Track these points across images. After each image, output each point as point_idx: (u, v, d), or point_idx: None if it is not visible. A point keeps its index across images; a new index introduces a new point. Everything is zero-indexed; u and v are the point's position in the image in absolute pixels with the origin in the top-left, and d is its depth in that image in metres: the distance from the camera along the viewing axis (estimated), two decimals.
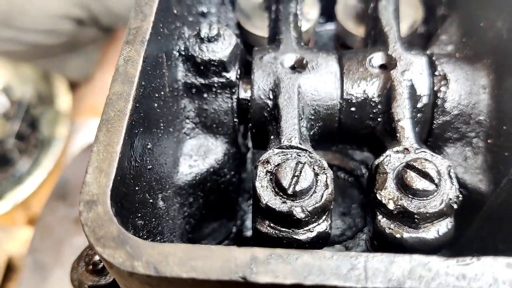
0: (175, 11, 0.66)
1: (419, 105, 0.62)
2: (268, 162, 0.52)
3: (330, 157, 0.84)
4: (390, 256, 0.36)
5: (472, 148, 0.63)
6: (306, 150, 0.54)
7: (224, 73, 0.64)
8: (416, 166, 0.51)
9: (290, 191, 0.49)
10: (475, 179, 0.62)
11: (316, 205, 0.49)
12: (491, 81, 0.62)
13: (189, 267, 0.36)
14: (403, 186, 0.50)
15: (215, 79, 0.64)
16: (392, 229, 0.50)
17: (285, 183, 0.49)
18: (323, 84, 0.63)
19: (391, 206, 0.50)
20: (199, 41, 0.63)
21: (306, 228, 0.50)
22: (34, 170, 2.01)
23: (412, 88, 0.61)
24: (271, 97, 0.63)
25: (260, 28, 0.78)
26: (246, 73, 0.67)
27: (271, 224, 0.50)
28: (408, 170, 0.51)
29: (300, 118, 0.60)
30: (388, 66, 0.63)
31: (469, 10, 0.69)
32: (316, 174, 0.51)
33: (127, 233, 0.38)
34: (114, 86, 0.49)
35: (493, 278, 0.35)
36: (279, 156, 0.53)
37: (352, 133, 0.65)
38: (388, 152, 0.54)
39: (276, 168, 0.51)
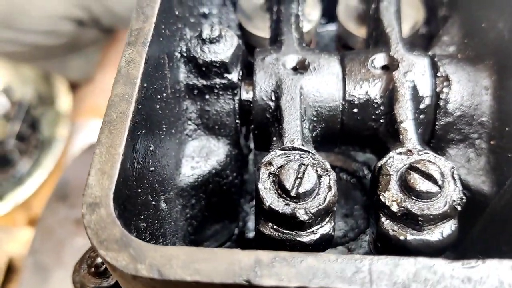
0: (177, 12, 0.66)
1: (422, 106, 0.61)
2: (271, 163, 0.52)
3: (332, 159, 0.84)
4: (395, 259, 0.36)
5: (475, 150, 0.63)
6: (309, 152, 0.54)
7: (226, 75, 0.64)
8: (420, 168, 0.50)
9: (293, 193, 0.49)
10: (478, 180, 0.61)
11: (320, 207, 0.49)
12: (493, 82, 0.62)
13: (193, 270, 0.36)
14: (407, 188, 0.50)
15: (217, 80, 0.64)
16: (395, 231, 0.50)
17: (288, 185, 0.49)
18: (325, 85, 0.63)
19: (394, 208, 0.50)
20: (200, 42, 0.63)
21: (310, 230, 0.50)
22: (35, 171, 2.01)
23: (415, 89, 0.61)
24: (273, 98, 0.62)
25: (261, 29, 0.78)
26: (248, 74, 0.66)
27: (274, 226, 0.50)
28: (411, 171, 0.50)
29: (303, 119, 0.60)
30: (390, 67, 0.63)
31: (471, 11, 0.69)
32: (319, 176, 0.50)
33: (130, 235, 0.38)
34: (116, 88, 0.49)
35: (499, 281, 0.35)
36: (282, 157, 0.53)
37: (354, 134, 0.64)
38: (391, 154, 0.54)
39: (279, 170, 0.51)
